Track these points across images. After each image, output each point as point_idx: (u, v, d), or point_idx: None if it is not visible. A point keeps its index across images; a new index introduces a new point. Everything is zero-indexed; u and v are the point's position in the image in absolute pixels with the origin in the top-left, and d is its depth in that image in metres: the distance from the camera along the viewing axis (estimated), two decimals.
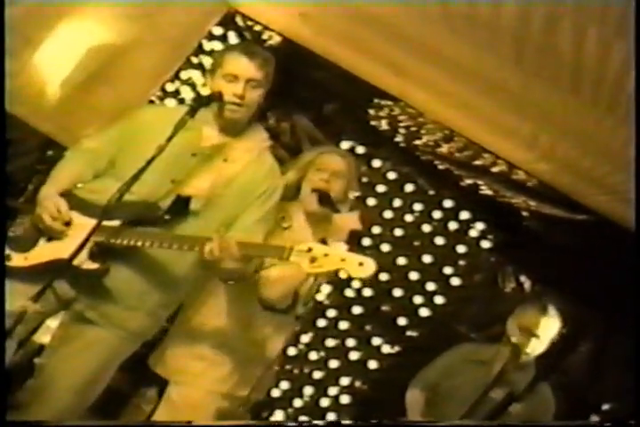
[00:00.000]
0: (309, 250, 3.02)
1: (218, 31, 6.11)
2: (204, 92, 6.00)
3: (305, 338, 5.97)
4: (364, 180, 6.12)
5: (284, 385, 5.96)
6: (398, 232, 6.07)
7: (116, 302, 3.37)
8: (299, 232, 3.77)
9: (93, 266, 3.27)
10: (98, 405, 3.60)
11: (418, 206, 6.12)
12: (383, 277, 5.96)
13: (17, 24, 4.63)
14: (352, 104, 6.16)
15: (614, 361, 5.67)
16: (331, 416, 5.94)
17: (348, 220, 3.65)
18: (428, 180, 6.16)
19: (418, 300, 6.01)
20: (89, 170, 3.52)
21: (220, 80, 3.44)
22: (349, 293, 6.03)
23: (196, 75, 6.10)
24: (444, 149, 6.02)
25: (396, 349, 6.04)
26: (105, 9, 5.22)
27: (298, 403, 5.99)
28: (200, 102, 3.43)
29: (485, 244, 6.06)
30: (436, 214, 6.13)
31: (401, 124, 6.07)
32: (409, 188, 6.15)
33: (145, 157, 3.22)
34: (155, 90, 5.99)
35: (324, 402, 5.99)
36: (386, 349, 6.04)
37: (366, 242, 5.93)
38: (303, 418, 5.94)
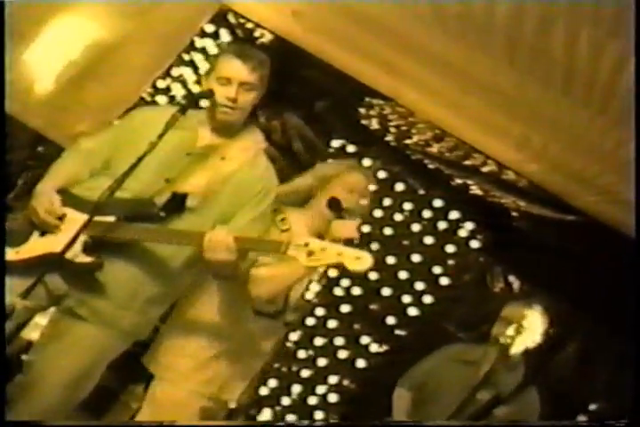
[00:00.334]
0: (306, 244, 3.04)
1: (210, 28, 6.11)
2: (196, 89, 6.06)
3: (293, 336, 5.97)
4: None
5: (273, 383, 5.96)
6: (388, 231, 6.07)
7: (109, 298, 3.35)
8: (296, 236, 3.76)
9: (87, 260, 3.26)
10: (85, 402, 3.58)
11: (408, 206, 6.13)
12: (372, 275, 5.96)
13: (9, 20, 4.61)
14: (343, 103, 6.17)
15: (601, 361, 5.69)
16: (319, 415, 5.94)
17: (346, 227, 3.65)
18: (418, 179, 6.17)
19: (406, 299, 6.01)
20: (85, 169, 3.52)
21: (214, 83, 3.44)
22: (338, 291, 6.03)
23: (187, 72, 6.10)
24: (435, 148, 6.03)
25: (385, 348, 6.04)
26: (97, 6, 5.21)
27: (286, 401, 5.99)
28: (191, 99, 3.44)
29: (474, 244, 6.07)
30: (426, 214, 6.14)
31: (391, 124, 6.08)
32: (399, 187, 6.16)
33: (145, 158, 3.23)
34: (146, 86, 6.00)
35: (312, 400, 5.99)
36: (374, 348, 6.05)
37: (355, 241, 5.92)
38: (291, 416, 5.94)
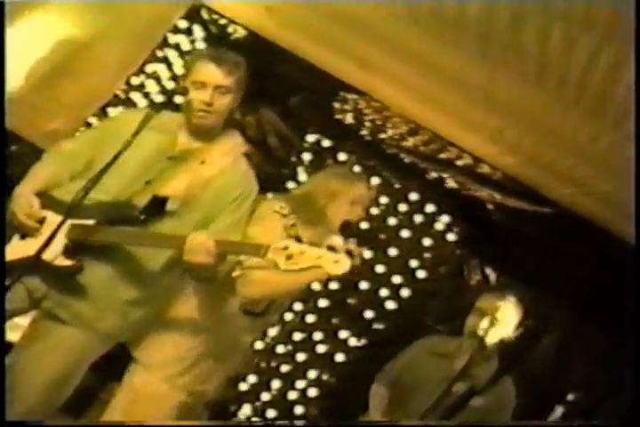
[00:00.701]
0: (286, 248, 3.06)
1: (183, 25, 6.10)
2: (170, 85, 6.04)
3: (272, 332, 5.97)
4: None
5: (252, 379, 5.96)
6: (364, 225, 6.06)
7: (88, 300, 3.36)
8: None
9: (67, 263, 3.28)
10: (66, 402, 3.58)
11: (383, 199, 6.13)
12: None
13: None
14: (317, 97, 6.16)
15: (579, 351, 5.72)
16: (299, 410, 5.95)
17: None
18: (394, 173, 6.18)
19: (384, 293, 6.03)
20: (65, 172, 3.52)
21: (190, 87, 3.45)
22: (315, 286, 6.02)
23: (160, 68, 6.09)
24: (410, 142, 6.04)
25: (363, 342, 6.05)
26: (68, 3, 5.17)
27: (265, 397, 6.00)
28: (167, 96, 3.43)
29: (451, 236, 6.09)
30: (402, 207, 6.15)
31: (366, 118, 6.09)
32: (374, 181, 6.16)
33: (124, 161, 3.29)
34: (120, 83, 5.97)
35: (292, 395, 5.99)
36: (353, 342, 6.06)
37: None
38: (271, 412, 5.95)
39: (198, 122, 3.48)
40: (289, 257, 3.03)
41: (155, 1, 5.70)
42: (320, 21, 5.00)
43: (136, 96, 6.01)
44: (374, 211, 6.09)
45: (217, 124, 3.54)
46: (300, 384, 6.01)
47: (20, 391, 3.36)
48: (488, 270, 6.05)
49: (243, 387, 5.93)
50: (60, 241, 3.25)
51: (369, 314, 6.05)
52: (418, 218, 6.14)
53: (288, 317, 5.99)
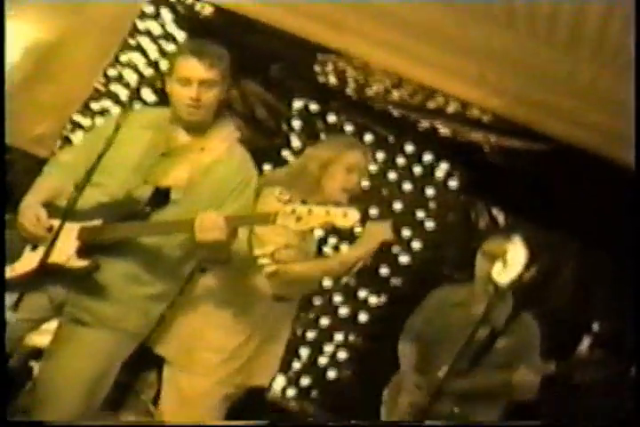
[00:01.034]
0: (293, 211, 3.10)
1: (149, 9, 6.04)
2: (148, 72, 6.02)
3: None
4: (322, 136, 6.14)
5: None
6: (365, 183, 6.05)
7: (109, 300, 3.40)
8: None
9: (82, 263, 3.32)
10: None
11: (380, 155, 6.11)
12: (358, 230, 5.94)
13: None
14: (297, 63, 6.12)
15: (598, 282, 5.74)
16: (331, 374, 6.01)
17: (381, 229, 3.73)
18: (386, 128, 6.15)
19: (395, 248, 6.03)
20: (67, 182, 3.51)
21: (175, 84, 3.44)
22: (327, 249, 6.03)
23: (135, 56, 6.05)
24: (396, 95, 5.99)
25: (383, 299, 6.08)
26: (30, 7, 5.14)
27: (297, 365, 6.05)
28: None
29: (453, 183, 6.08)
30: (400, 161, 6.14)
31: (349, 77, 6.04)
32: (368, 138, 6.15)
33: (118, 161, 3.35)
34: (97, 77, 5.95)
35: (323, 361, 6.05)
36: (373, 300, 6.09)
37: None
38: (305, 380, 6.00)
39: (188, 118, 3.47)
40: (298, 219, 3.08)
41: None
42: None
43: (116, 87, 5.99)
44: (372, 168, 6.07)
45: (207, 117, 3.52)
46: (329, 349, 6.06)
47: (58, 396, 3.42)
48: (495, 212, 6.05)
49: None
50: (71, 244, 3.30)
51: (384, 271, 6.06)
52: (417, 169, 6.13)
53: None
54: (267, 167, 5.45)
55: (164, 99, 3.75)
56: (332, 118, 6.16)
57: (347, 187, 3.88)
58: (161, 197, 3.43)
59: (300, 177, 3.86)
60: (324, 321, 6.09)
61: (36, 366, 4.71)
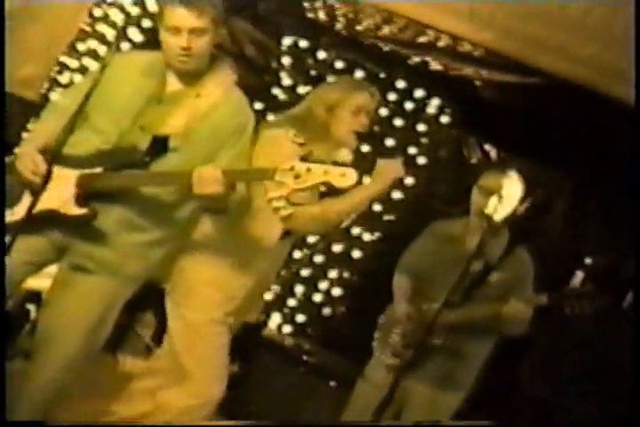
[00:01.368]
0: (292, 168, 3.08)
1: None
2: (134, 11, 5.94)
3: None
4: (313, 73, 6.10)
5: (275, 288, 6.05)
6: None
7: (110, 246, 3.41)
8: None
9: (81, 211, 3.32)
10: None
11: None
12: None
13: None
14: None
15: (589, 217, 5.76)
16: (326, 311, 6.08)
17: (392, 166, 3.77)
18: (377, 63, 6.13)
19: None
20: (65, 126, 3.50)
21: (165, 34, 3.38)
22: (321, 187, 6.01)
23: None
24: (386, 30, 5.91)
25: (377, 235, 6.11)
26: None
27: (292, 302, 6.11)
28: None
29: (444, 119, 6.08)
30: (391, 96, 6.13)
31: (338, 13, 5.97)
32: (359, 74, 6.12)
33: (114, 105, 3.35)
34: (83, 17, 5.86)
35: (317, 297, 6.12)
36: (367, 237, 6.13)
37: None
38: (300, 316, 6.07)
39: (181, 67, 3.42)
40: (297, 177, 3.06)
41: None
42: None
43: (103, 28, 5.91)
44: None
45: (201, 64, 3.46)
46: (323, 285, 6.12)
47: (59, 339, 3.45)
48: (487, 147, 6.05)
49: (268, 296, 6.01)
50: (69, 192, 3.31)
51: (377, 207, 6.07)
52: (408, 105, 6.12)
53: None
54: (257, 105, 5.42)
55: (150, 38, 3.70)
56: (322, 55, 6.13)
57: (356, 129, 3.86)
58: (159, 146, 3.40)
59: (308, 120, 3.84)
60: (318, 258, 6.14)
61: (32, 309, 4.75)
